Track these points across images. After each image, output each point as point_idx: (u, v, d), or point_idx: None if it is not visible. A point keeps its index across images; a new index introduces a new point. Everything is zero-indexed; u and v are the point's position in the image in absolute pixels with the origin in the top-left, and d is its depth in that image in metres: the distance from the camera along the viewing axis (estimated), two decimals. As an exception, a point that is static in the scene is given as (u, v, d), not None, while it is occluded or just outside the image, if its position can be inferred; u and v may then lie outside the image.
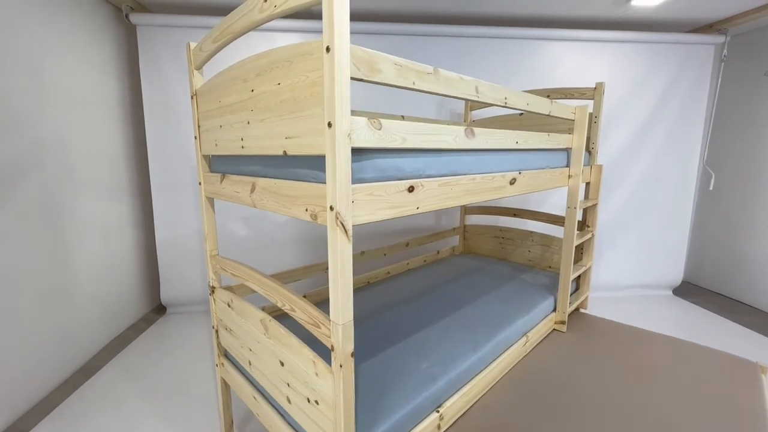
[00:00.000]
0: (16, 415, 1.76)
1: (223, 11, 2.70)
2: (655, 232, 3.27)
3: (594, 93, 2.13)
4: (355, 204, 0.85)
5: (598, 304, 3.05)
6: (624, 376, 1.60)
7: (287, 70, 0.89)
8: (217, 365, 1.60)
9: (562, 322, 2.02)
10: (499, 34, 2.89)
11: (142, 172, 2.87)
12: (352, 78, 0.80)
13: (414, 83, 0.94)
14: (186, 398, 1.96)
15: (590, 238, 2.23)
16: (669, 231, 3.28)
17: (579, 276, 2.32)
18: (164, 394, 1.99)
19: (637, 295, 3.29)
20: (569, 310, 2.06)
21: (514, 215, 2.61)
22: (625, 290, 3.30)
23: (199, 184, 1.45)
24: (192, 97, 1.38)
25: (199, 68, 1.35)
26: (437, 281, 2.22)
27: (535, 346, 1.85)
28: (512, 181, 1.42)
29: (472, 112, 2.81)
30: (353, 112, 1.89)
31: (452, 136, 1.08)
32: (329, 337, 0.90)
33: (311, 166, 0.90)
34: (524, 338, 1.75)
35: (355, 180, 0.86)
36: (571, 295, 2.23)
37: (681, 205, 3.26)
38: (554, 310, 2.05)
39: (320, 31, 2.74)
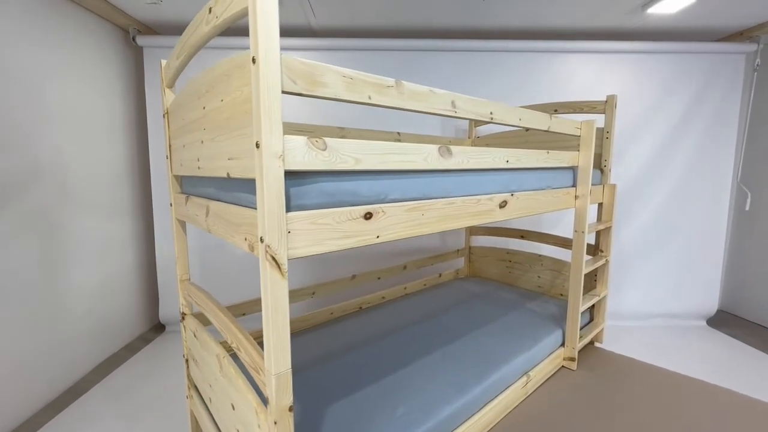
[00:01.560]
0: (-6, 438, 1.72)
1: (227, 31, 2.73)
2: (685, 256, 2.98)
3: (605, 106, 1.96)
4: (292, 234, 0.74)
5: (619, 334, 2.78)
6: (643, 430, 1.38)
7: (227, 84, 0.80)
8: (187, 397, 1.51)
9: (572, 359, 1.81)
10: (508, 47, 2.77)
11: (145, 191, 2.89)
12: (286, 92, 0.70)
13: (370, 98, 0.84)
14: (168, 423, 1.87)
15: (604, 264, 2.03)
16: (701, 255, 2.98)
17: (593, 306, 2.11)
18: (148, 418, 1.91)
19: (666, 326, 2.99)
20: (580, 344, 1.85)
21: (522, 237, 2.43)
22: (652, 319, 3.00)
23: (171, 205, 1.39)
24: (164, 116, 1.34)
25: (170, 86, 1.31)
26: (434, 308, 2.06)
27: (539, 387, 1.65)
28: (502, 204, 1.27)
29: (477, 128, 2.68)
30: (328, 130, 1.81)
31: (422, 156, 0.96)
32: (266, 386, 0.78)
33: (251, 191, 0.81)
34: (524, 378, 1.56)
35: (295, 207, 0.76)
36: (583, 327, 2.02)
37: (714, 227, 2.96)
38: (563, 344, 1.85)
39: (316, 50, 2.72)
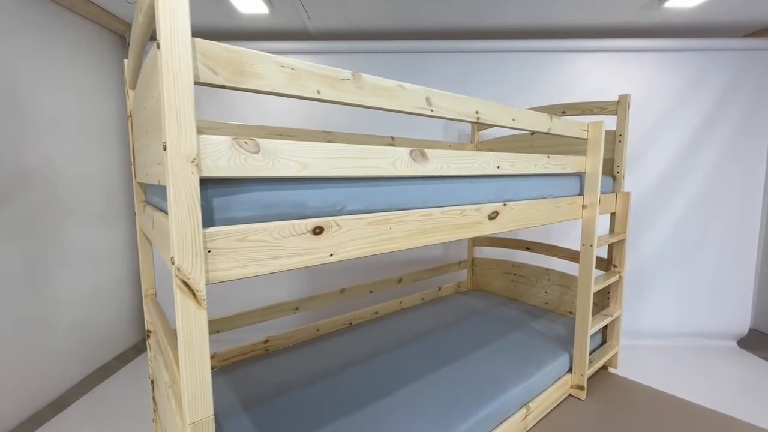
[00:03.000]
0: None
1: (223, 36, 2.68)
2: (713, 271, 2.73)
3: (617, 107, 1.79)
4: (213, 254, 0.62)
5: (639, 355, 2.54)
6: (658, 476, 1.19)
7: (157, 79, 0.70)
8: (153, 421, 1.40)
9: (580, 387, 1.62)
10: (514, 47, 2.62)
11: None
12: (206, 84, 0.59)
13: (319, 92, 0.71)
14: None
15: (617, 281, 1.83)
16: (731, 269, 2.72)
17: (606, 327, 1.91)
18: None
19: (691, 346, 2.72)
20: (590, 370, 1.66)
21: (527, 249, 2.25)
22: (676, 339, 2.75)
23: (135, 215, 1.30)
24: (128, 118, 1.25)
25: (133, 86, 1.22)
26: (429, 326, 1.91)
27: (541, 419, 1.47)
28: (493, 215, 1.12)
29: (481, 132, 2.53)
30: (311, 134, 1.67)
31: (389, 160, 0.83)
32: (188, 434, 0.65)
33: (176, 201, 0.69)
34: (524, 410, 1.39)
35: (221, 220, 0.64)
36: (594, 350, 1.82)
37: (745, 238, 2.70)
38: (570, 370, 1.66)
39: (314, 53, 2.63)
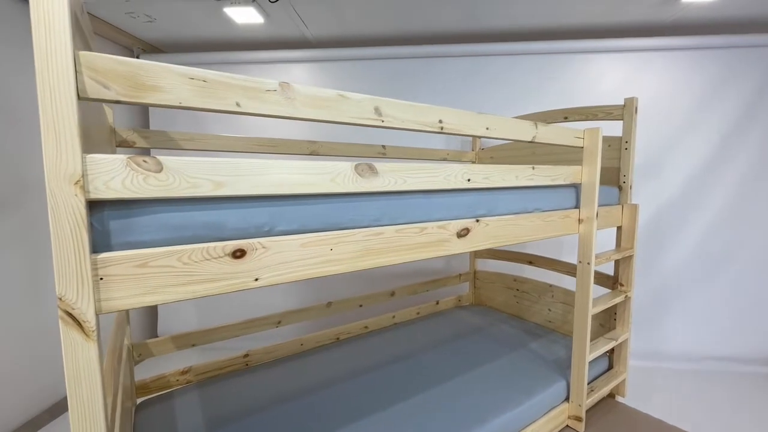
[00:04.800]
0: None
1: (223, 46, 2.71)
2: (745, 289, 2.47)
3: (623, 111, 1.65)
4: (106, 282, 0.57)
5: (659, 379, 2.32)
6: None
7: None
8: (125, 435, 1.38)
9: (578, 419, 1.48)
10: (522, 50, 2.50)
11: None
12: (96, 99, 0.55)
13: (239, 105, 0.66)
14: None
15: (624, 302, 1.67)
16: (765, 287, 2.46)
17: (612, 351, 1.75)
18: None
19: (720, 371, 2.47)
20: (590, 400, 1.51)
21: (530, 263, 2.11)
22: (703, 363, 2.50)
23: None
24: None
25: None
26: (419, 344, 1.81)
27: (529, 454, 1.35)
28: (462, 233, 1.03)
29: (481, 139, 2.42)
30: (294, 144, 1.62)
31: (327, 176, 0.76)
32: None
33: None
34: (508, 443, 1.27)
35: (120, 245, 0.59)
36: (598, 376, 1.67)
37: (781, 254, 2.44)
38: (568, 398, 1.52)
39: (315, 61, 2.61)
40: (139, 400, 1.42)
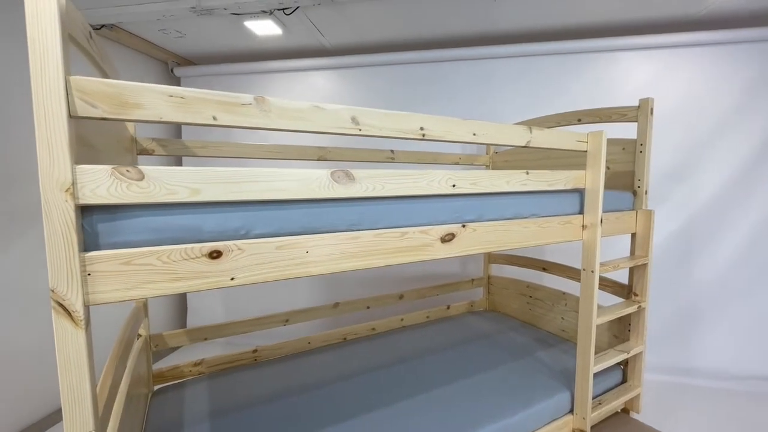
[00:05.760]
0: None
1: (245, 57, 2.85)
2: (795, 302, 2.26)
3: (638, 113, 1.57)
4: (94, 277, 0.65)
5: (689, 397, 2.16)
6: None
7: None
8: (143, 419, 1.50)
9: (582, 432, 1.43)
10: (539, 50, 2.44)
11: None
12: (85, 117, 0.63)
13: (215, 118, 0.72)
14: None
15: (637, 312, 1.59)
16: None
17: (626, 364, 1.66)
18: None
19: (758, 392, 2.26)
20: (597, 413, 1.45)
21: (544, 269, 2.06)
22: (737, 382, 2.30)
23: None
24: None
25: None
26: (422, 348, 1.82)
27: (524, 466, 1.32)
28: (447, 238, 1.04)
29: (496, 142, 2.38)
30: (302, 150, 1.68)
31: (302, 183, 0.81)
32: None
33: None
34: (502, 451, 1.26)
35: (107, 245, 0.67)
36: (610, 390, 1.60)
37: (835, 266, 2.20)
38: (573, 410, 1.47)
39: (332, 68, 2.70)
40: (156, 387, 1.54)
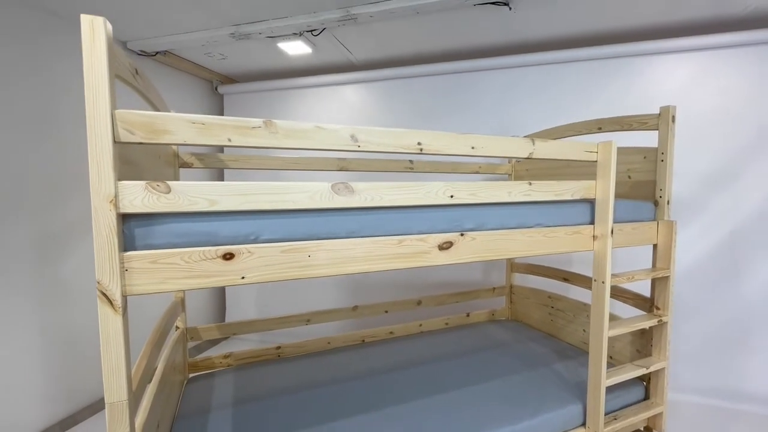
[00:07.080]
0: None
1: (279, 74, 3.06)
2: None
3: (658, 121, 1.54)
4: (130, 273, 0.79)
5: (734, 423, 2.00)
6: None
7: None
8: (179, 403, 1.68)
9: (594, 446, 1.40)
10: (566, 57, 2.42)
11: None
12: (126, 142, 0.77)
13: (230, 140, 0.85)
14: None
15: (659, 327, 1.53)
16: None
17: (648, 380, 1.60)
18: None
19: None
20: (613, 428, 1.42)
21: (565, 280, 2.02)
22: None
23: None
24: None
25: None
26: (437, 353, 1.86)
27: (529, 473, 1.32)
28: (445, 246, 1.10)
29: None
30: (324, 161, 1.79)
31: (306, 195, 0.92)
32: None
33: (126, 229, 0.89)
34: (505, 458, 1.27)
35: (141, 246, 0.81)
36: (630, 405, 1.55)
37: None
38: (585, 424, 1.45)
39: (359, 82, 2.83)
40: (190, 375, 1.71)
